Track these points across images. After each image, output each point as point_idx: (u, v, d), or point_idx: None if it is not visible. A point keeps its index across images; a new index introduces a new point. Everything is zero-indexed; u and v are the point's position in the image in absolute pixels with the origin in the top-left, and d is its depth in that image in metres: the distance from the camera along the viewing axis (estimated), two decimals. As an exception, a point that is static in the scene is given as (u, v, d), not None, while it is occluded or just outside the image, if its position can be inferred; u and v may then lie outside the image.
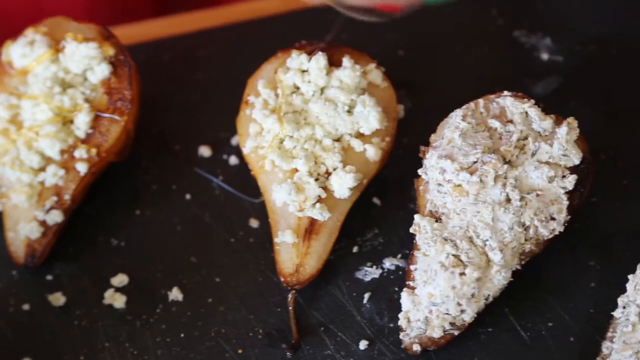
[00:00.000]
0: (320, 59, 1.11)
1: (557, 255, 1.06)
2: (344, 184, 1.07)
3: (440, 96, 1.20)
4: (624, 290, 1.00)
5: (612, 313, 0.99)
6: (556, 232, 1.02)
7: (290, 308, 1.06)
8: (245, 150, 1.11)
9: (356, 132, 1.10)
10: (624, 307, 0.98)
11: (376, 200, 1.13)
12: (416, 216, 1.04)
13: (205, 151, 1.19)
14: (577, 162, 1.03)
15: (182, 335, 1.07)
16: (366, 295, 1.07)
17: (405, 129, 1.16)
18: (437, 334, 1.00)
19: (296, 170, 1.08)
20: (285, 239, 1.07)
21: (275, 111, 1.10)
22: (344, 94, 1.10)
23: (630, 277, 0.99)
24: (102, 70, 1.12)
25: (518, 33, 1.24)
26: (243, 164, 1.15)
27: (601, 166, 1.11)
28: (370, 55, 1.15)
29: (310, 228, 1.07)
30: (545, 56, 1.22)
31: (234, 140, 1.18)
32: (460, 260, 1.00)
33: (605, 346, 0.98)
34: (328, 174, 1.08)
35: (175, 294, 1.09)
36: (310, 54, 1.12)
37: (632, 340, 0.96)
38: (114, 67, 1.13)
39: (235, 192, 1.15)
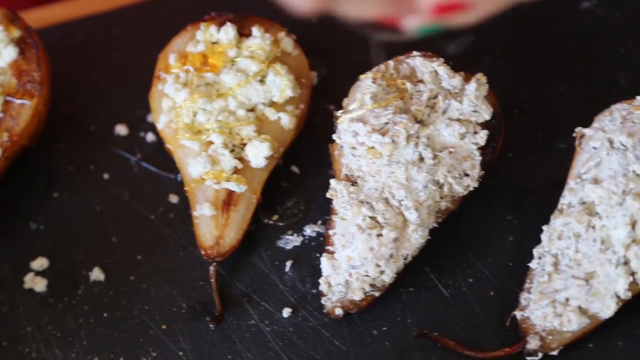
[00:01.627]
0: (229, 30, 1.11)
1: (475, 212, 1.07)
2: (259, 154, 1.07)
3: (355, 62, 1.19)
4: (540, 242, 1.00)
5: (528, 265, 1.00)
6: (471, 188, 1.02)
7: (212, 280, 1.05)
8: (159, 126, 1.11)
9: (270, 101, 1.10)
10: (539, 258, 0.99)
11: (294, 168, 1.13)
12: (332, 181, 1.04)
13: (121, 130, 1.18)
14: (487, 117, 1.03)
15: (105, 315, 1.06)
16: (288, 263, 1.07)
17: (321, 96, 1.16)
18: (358, 296, 1.01)
19: (211, 142, 1.08)
20: (203, 212, 1.06)
21: (187, 85, 1.10)
22: (255, 64, 1.10)
23: (544, 227, 1.00)
24: (9, 53, 1.11)
25: None
26: (160, 140, 1.14)
27: (515, 121, 1.12)
28: (283, 24, 1.14)
29: (228, 200, 1.07)
30: (457, 16, 1.22)
31: (150, 117, 1.18)
32: (377, 222, 1.00)
33: (523, 297, 0.99)
34: (243, 144, 1.08)
35: (97, 275, 1.08)
36: (220, 25, 1.12)
37: (548, 290, 0.97)
38: (21, 49, 1.12)
39: (154, 169, 1.15)
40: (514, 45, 1.19)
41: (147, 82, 1.15)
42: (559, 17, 1.19)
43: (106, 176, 1.15)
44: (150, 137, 1.17)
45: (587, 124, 1.03)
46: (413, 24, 0.81)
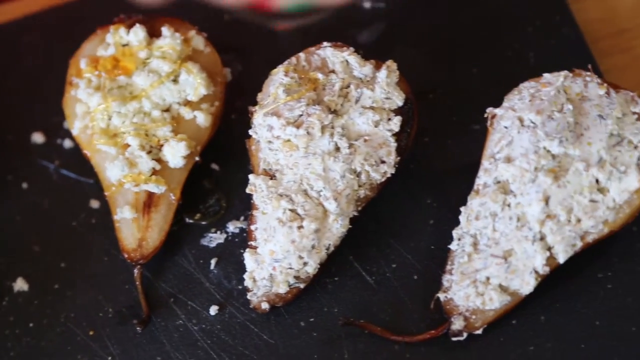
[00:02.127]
0: (138, 31, 1.11)
1: (394, 198, 1.08)
2: (177, 154, 1.07)
3: (269, 57, 1.19)
4: (459, 223, 1.02)
5: (449, 246, 1.01)
6: (388, 175, 1.03)
7: (137, 283, 1.05)
8: (75, 132, 1.10)
9: (184, 100, 1.10)
10: (459, 239, 1.00)
11: (214, 166, 1.13)
12: (250, 176, 1.04)
13: (38, 138, 1.17)
14: (400, 103, 1.04)
15: (31, 324, 1.05)
16: (213, 261, 1.08)
17: (237, 92, 1.16)
18: (282, 289, 1.01)
19: (127, 145, 1.07)
20: (124, 216, 1.06)
21: (100, 89, 1.09)
22: (167, 64, 1.09)
23: (462, 209, 1.01)
24: None
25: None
26: (78, 146, 1.13)
27: (430, 105, 1.13)
28: (194, 23, 1.14)
29: (149, 201, 1.07)
30: (367, 4, 1.23)
31: (67, 124, 1.17)
32: (297, 214, 1.00)
33: (446, 279, 1.00)
34: (160, 145, 1.08)
35: (20, 285, 1.08)
36: (129, 27, 1.11)
37: (468, 270, 0.98)
38: None
39: (73, 176, 1.14)
40: (425, 31, 1.20)
41: (61, 89, 1.14)
42: (468, 1, 1.20)
43: (25, 185, 1.14)
44: (67, 143, 1.16)
45: (499, 104, 1.04)
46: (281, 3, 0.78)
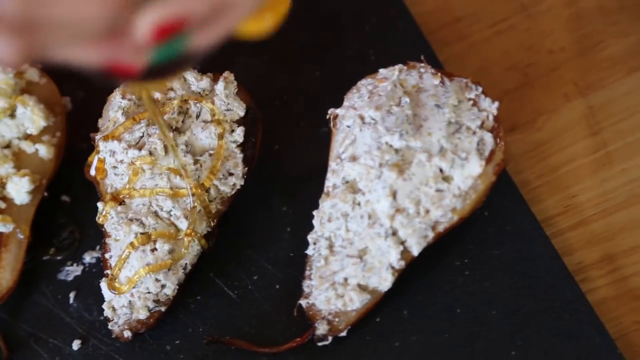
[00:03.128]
0: (-34, 70, 1.08)
1: (249, 208, 1.07)
2: (21, 190, 1.04)
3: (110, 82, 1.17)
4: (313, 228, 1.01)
5: (306, 252, 1.01)
6: (238, 187, 1.02)
7: (-7, 327, 1.02)
8: None
9: (24, 134, 1.07)
10: (314, 244, 1.00)
11: (65, 198, 1.11)
12: (99, 204, 1.02)
13: None
14: (241, 113, 1.03)
15: None
16: (72, 295, 1.05)
17: (81, 120, 1.13)
18: (143, 315, 0.99)
19: (-31, 186, 1.04)
20: (-27, 260, 1.03)
21: None
22: (1, 99, 1.06)
23: (314, 213, 1.01)
24: None
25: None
26: None
27: (277, 112, 1.12)
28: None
29: (-3, 242, 1.04)
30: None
31: None
32: (149, 236, 0.99)
33: (306, 285, 1.00)
34: (3, 183, 1.05)
35: None
36: (-40, 66, 1.08)
37: (326, 273, 0.98)
38: None
39: None
40: (264, 39, 1.19)
41: None
42: (303, 3, 1.20)
43: None
44: None
45: (342, 104, 1.04)
46: (142, 59, 0.72)
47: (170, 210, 1.00)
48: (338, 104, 1.05)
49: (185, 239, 0.99)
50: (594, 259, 1.02)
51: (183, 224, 0.99)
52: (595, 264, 1.02)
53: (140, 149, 1.00)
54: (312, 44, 1.17)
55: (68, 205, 1.11)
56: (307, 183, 1.08)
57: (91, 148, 1.09)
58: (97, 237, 1.08)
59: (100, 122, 1.05)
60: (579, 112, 1.10)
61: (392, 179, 0.96)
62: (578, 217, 1.04)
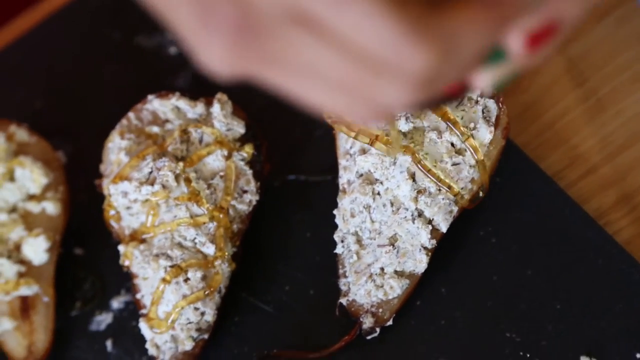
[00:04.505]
0: (-41, 142, 1.07)
1: (268, 222, 1.07)
2: (38, 249, 1.04)
3: (98, 130, 1.16)
4: (336, 227, 1.02)
5: (335, 252, 1.01)
6: (254, 203, 1.03)
7: (39, 390, 1.01)
8: None
9: (27, 195, 1.06)
10: (342, 242, 1.01)
11: (78, 251, 1.10)
12: (120, 247, 1.02)
13: None
14: (242, 131, 1.04)
15: None
16: (108, 343, 1.05)
17: (76, 172, 1.13)
18: (188, 346, 0.99)
19: (-18, 259, 1.03)
20: (5, 327, 1.02)
21: (-63, 211, 1.05)
22: (-1, 165, 1.06)
23: (335, 212, 1.01)
24: None
25: (140, 39, 1.23)
26: None
27: (271, 124, 1.12)
28: (7, 117, 1.11)
29: (24, 305, 1.03)
30: (173, 50, 1.22)
31: None
32: (180, 268, 0.99)
33: (342, 283, 1.00)
34: (18, 247, 1.04)
35: None
36: (-52, 141, 1.07)
37: (361, 268, 0.99)
38: None
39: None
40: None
41: None
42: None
43: None
44: None
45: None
46: (487, 79, 0.63)
47: (194, 238, 1.00)
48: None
49: (216, 262, 0.99)
50: (610, 202, 1.04)
51: (209, 249, 0.99)
52: (613, 207, 1.04)
53: (152, 184, 1.00)
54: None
55: (82, 257, 1.10)
56: (317, 186, 1.09)
57: (93, 199, 1.09)
58: (119, 282, 1.08)
59: (102, 167, 1.05)
60: (560, 67, 1.12)
61: (407, 162, 0.97)
62: (585, 166, 1.06)
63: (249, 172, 1.03)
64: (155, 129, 1.04)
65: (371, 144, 0.98)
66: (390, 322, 0.99)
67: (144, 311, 1.01)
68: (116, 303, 1.07)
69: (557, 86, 1.11)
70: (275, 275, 1.05)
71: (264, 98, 1.13)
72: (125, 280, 1.07)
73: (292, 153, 1.11)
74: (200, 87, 1.10)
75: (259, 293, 1.05)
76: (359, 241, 0.99)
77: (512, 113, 1.10)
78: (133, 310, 1.05)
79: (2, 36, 1.25)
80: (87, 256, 1.10)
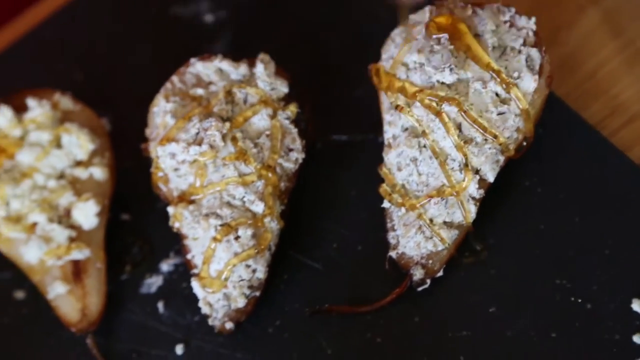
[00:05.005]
0: (5, 112, 1.08)
1: (312, 181, 1.08)
2: (88, 214, 1.05)
3: (135, 96, 1.17)
4: (378, 185, 1.03)
5: (382, 206, 1.02)
6: (300, 161, 1.03)
7: (94, 352, 1.03)
8: (-24, 230, 1.06)
9: (74, 161, 1.08)
10: (389, 195, 1.01)
11: (125, 216, 1.11)
12: (169, 209, 1.03)
13: None
14: (286, 90, 1.05)
15: None
16: (160, 305, 1.06)
17: (119, 140, 1.14)
18: (241, 303, 1.00)
19: (34, 224, 1.04)
20: (58, 292, 1.03)
21: (-15, 179, 1.06)
22: (45, 132, 1.07)
23: (381, 166, 1.02)
24: None
25: (175, 9, 1.24)
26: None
27: (311, 84, 1.13)
28: (53, 87, 1.12)
29: (76, 270, 1.04)
30: (209, 17, 1.23)
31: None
32: (230, 226, 1.00)
33: (391, 237, 1.01)
34: (68, 212, 1.05)
35: (-22, 398, 1.03)
36: (-9, 112, 1.09)
37: (410, 220, 1.00)
38: None
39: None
40: (278, 19, 1.21)
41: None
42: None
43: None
44: (-36, 247, 1.12)
45: (363, 69, 1.05)
46: None
47: (243, 197, 1.01)
48: (365, 65, 1.07)
49: (265, 220, 1.00)
50: (653, 149, 1.05)
51: (259, 207, 1.00)
52: (656, 153, 1.05)
53: (200, 144, 1.01)
54: (319, 15, 1.19)
55: (129, 222, 1.11)
56: (358, 144, 1.10)
57: (136, 165, 1.10)
58: (167, 245, 1.09)
59: (148, 131, 1.06)
60: (597, 19, 1.13)
61: (454, 113, 0.98)
62: (626, 115, 1.07)
63: (294, 130, 1.03)
64: (199, 91, 1.04)
65: (414, 97, 0.99)
66: (440, 273, 1.00)
67: (195, 271, 1.02)
68: (165, 266, 1.08)
69: (595, 38, 1.12)
70: (323, 233, 1.06)
71: (304, 58, 1.15)
72: (173, 244, 1.08)
73: (332, 113, 1.12)
74: (239, 52, 1.11)
75: (307, 250, 1.05)
76: (406, 194, 1.00)
77: (551, 65, 1.10)
78: (182, 272, 1.06)
79: (41, 10, 1.26)
80: (134, 221, 1.11)
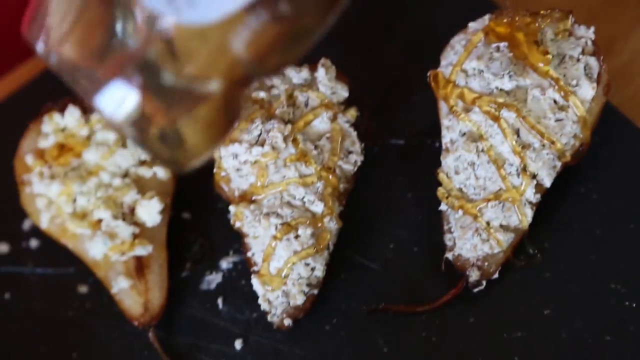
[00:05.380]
0: (73, 112, 1.11)
1: (370, 183, 1.10)
2: (152, 211, 1.08)
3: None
4: (435, 189, 1.05)
5: (439, 209, 1.04)
6: (359, 163, 1.06)
7: (156, 345, 1.05)
8: (43, 226, 1.10)
9: (138, 160, 1.11)
10: (446, 198, 1.03)
11: (186, 215, 1.14)
12: (231, 207, 1.06)
13: (3, 248, 1.15)
14: (346, 94, 1.07)
15: (66, 421, 1.04)
16: (219, 301, 1.08)
17: (180, 141, 1.17)
18: (300, 300, 1.03)
19: (100, 220, 1.07)
20: (122, 286, 1.06)
21: (55, 177, 1.09)
22: (111, 132, 1.10)
23: (439, 170, 1.04)
24: None
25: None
26: (46, 241, 1.13)
27: (371, 89, 1.15)
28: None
29: (139, 265, 1.07)
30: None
31: (26, 225, 1.16)
32: (290, 225, 1.02)
33: (448, 238, 1.03)
34: (132, 210, 1.08)
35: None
36: (61, 111, 1.12)
37: (467, 222, 1.02)
38: None
39: (51, 271, 1.13)
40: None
41: (10, 194, 1.13)
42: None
43: (7, 296, 1.13)
44: (33, 243, 1.15)
45: (423, 74, 1.07)
46: None
47: (303, 197, 1.03)
48: (422, 71, 1.09)
49: (324, 220, 1.02)
50: None
51: (318, 207, 1.03)
52: None
53: (262, 145, 1.03)
54: (382, 24, 1.22)
55: (190, 221, 1.14)
56: (414, 148, 1.12)
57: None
58: (227, 243, 1.11)
59: (211, 132, 1.08)
60: (653, 30, 1.14)
61: (512, 118, 1.00)
62: (681, 126, 1.09)
63: (354, 133, 1.06)
64: (261, 94, 1.07)
65: (473, 103, 1.01)
66: (496, 275, 1.02)
67: (255, 268, 1.04)
68: (225, 263, 1.10)
69: (651, 48, 1.13)
70: (379, 234, 1.08)
71: (363, 64, 1.18)
72: (233, 242, 1.11)
73: (390, 118, 1.14)
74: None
75: (364, 251, 1.08)
76: (463, 197, 1.02)
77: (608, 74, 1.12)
78: (242, 270, 1.09)
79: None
80: (194, 220, 1.14)
